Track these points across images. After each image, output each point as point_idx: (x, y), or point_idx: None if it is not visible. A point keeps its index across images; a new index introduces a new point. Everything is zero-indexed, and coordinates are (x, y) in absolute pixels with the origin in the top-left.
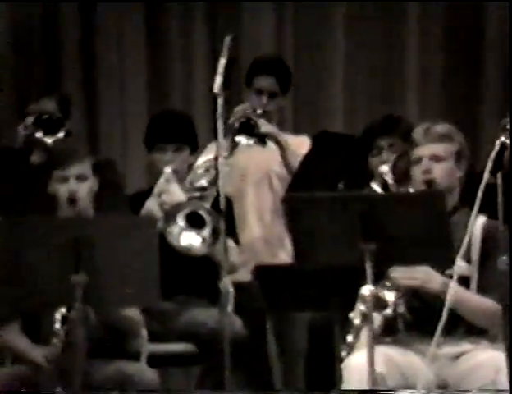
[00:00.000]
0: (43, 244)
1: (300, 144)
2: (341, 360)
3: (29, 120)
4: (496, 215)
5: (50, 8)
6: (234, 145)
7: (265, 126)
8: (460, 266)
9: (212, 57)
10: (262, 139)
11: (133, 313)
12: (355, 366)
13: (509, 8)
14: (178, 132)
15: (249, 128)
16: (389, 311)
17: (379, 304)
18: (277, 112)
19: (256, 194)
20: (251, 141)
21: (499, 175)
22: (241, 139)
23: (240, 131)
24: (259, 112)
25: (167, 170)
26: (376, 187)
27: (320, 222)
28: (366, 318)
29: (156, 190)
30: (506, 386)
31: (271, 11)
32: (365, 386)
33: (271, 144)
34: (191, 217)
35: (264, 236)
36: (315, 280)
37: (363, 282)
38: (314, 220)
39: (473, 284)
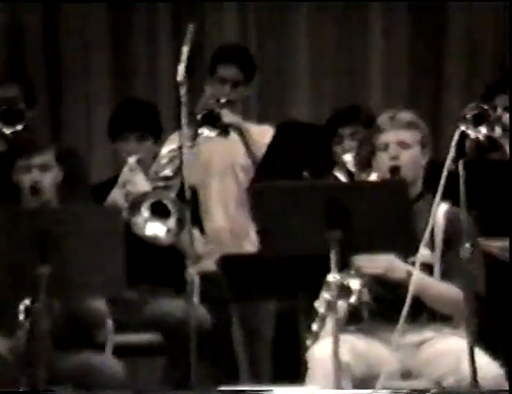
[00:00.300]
0: (6, 234)
1: (263, 134)
2: (306, 348)
3: None
4: (457, 203)
5: None
6: (196, 136)
7: (227, 117)
8: (423, 253)
9: (175, 45)
10: (225, 129)
11: (98, 303)
12: (320, 356)
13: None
14: (141, 120)
15: (211, 119)
16: (354, 299)
17: (344, 292)
18: (241, 101)
19: (220, 184)
20: (214, 133)
21: (460, 162)
22: (204, 131)
23: (203, 123)
24: (223, 101)
25: (131, 159)
26: (339, 175)
27: (285, 211)
28: (331, 306)
29: (120, 179)
30: (467, 374)
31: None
32: (330, 375)
33: (234, 135)
34: (156, 207)
35: (229, 227)
36: (280, 269)
37: (327, 271)
38: (279, 209)
39: (436, 271)
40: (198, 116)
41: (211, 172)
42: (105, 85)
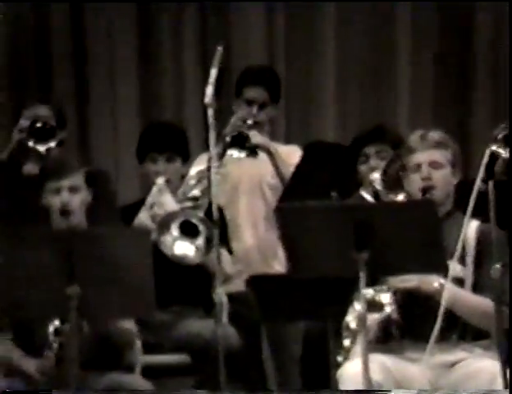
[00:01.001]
0: (36, 255)
1: (291, 154)
2: (338, 365)
3: (24, 123)
4: (488, 220)
5: (42, 14)
6: (223, 156)
7: (256, 137)
8: (455, 268)
9: (203, 67)
10: (253, 150)
11: (127, 324)
12: (351, 373)
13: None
14: (169, 142)
15: (240, 141)
16: (385, 313)
17: (375, 306)
18: (268, 121)
19: (249, 204)
20: (243, 154)
21: (490, 183)
22: (233, 153)
23: (233, 144)
24: (250, 122)
25: (160, 181)
26: (366, 195)
27: (313, 231)
28: (362, 320)
29: (148, 200)
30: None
31: (261, 20)
32: (360, 385)
33: (262, 155)
34: (185, 227)
35: (257, 246)
36: (309, 289)
37: (356, 291)
38: (307, 230)
39: (468, 285)
40: (228, 138)
41: (239, 192)
42: (134, 108)
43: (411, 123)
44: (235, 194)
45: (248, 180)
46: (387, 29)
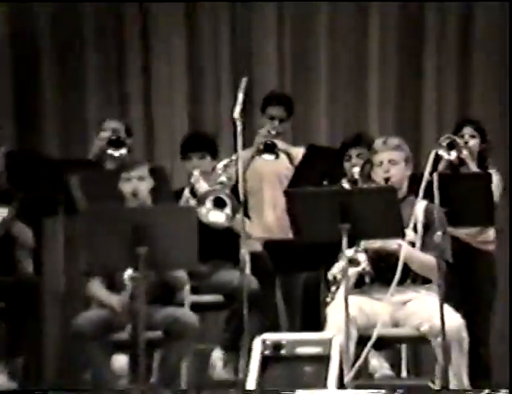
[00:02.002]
0: (115, 225)
1: (298, 153)
2: (326, 304)
3: (104, 134)
4: (433, 201)
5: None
6: (253, 158)
7: (281, 144)
8: (409, 234)
9: (234, 87)
10: (277, 153)
11: (180, 273)
12: (335, 310)
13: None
14: (201, 146)
15: (270, 147)
16: (360, 267)
17: (354, 263)
18: (285, 132)
19: (271, 190)
20: (272, 157)
21: (434, 175)
22: (265, 156)
23: (265, 150)
24: (273, 133)
25: (195, 172)
26: (345, 184)
27: (310, 208)
28: (344, 272)
29: (189, 186)
30: (438, 322)
31: (274, 53)
32: (342, 325)
33: (281, 155)
34: (216, 201)
35: (276, 220)
36: (307, 250)
37: (340, 251)
38: (306, 207)
39: (418, 246)
40: (261, 146)
41: (264, 182)
42: (184, 122)
43: (380, 131)
44: (261, 183)
45: (270, 173)
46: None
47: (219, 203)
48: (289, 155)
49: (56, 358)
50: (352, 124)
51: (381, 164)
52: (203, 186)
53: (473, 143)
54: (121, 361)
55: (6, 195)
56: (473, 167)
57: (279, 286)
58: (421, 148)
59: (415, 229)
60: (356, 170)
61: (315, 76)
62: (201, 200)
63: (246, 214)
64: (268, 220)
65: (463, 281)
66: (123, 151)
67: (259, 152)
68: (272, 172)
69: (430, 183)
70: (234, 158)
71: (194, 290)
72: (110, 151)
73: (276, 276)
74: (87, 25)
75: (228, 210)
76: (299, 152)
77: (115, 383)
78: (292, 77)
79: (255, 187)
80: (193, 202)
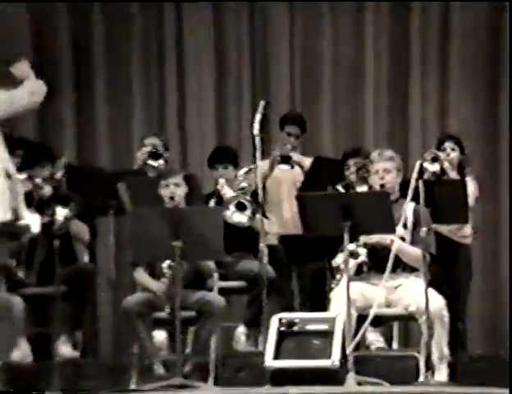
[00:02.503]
0: (156, 223)
1: (307, 163)
2: (331, 289)
3: (145, 149)
4: (419, 203)
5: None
6: (273, 169)
7: (295, 157)
8: (399, 231)
9: (254, 108)
10: (292, 164)
11: (209, 263)
12: (339, 295)
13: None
14: (225, 158)
15: (287, 159)
16: (360, 258)
17: (354, 255)
18: (299, 146)
19: (287, 193)
20: (288, 167)
21: (420, 181)
22: (282, 166)
23: (282, 161)
24: (289, 147)
25: (221, 180)
26: (340, 188)
27: (317, 209)
28: (346, 262)
29: (215, 192)
30: (423, 303)
31: (287, 80)
32: (344, 306)
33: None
34: (238, 205)
35: (291, 218)
36: (315, 243)
37: (342, 244)
38: (314, 208)
39: (407, 241)
40: (278, 158)
41: (281, 186)
42: (211, 137)
43: (375, 144)
44: (279, 188)
45: (286, 180)
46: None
47: (241, 207)
48: (301, 167)
49: (108, 332)
50: (350, 138)
51: (377, 172)
52: (227, 192)
53: (454, 155)
54: (161, 336)
55: (66, 199)
56: (453, 175)
57: (295, 274)
58: (408, 159)
59: (405, 226)
60: (353, 176)
61: (320, 98)
62: (226, 204)
63: (264, 214)
64: (285, 218)
65: (445, 269)
66: (161, 162)
67: (278, 163)
68: (288, 179)
69: (417, 188)
70: (252, 167)
71: (222, 277)
72: (150, 162)
73: (292, 265)
74: (134, 48)
75: (248, 212)
76: (308, 162)
77: (156, 354)
78: (302, 99)
79: (274, 191)
80: (212, 203)
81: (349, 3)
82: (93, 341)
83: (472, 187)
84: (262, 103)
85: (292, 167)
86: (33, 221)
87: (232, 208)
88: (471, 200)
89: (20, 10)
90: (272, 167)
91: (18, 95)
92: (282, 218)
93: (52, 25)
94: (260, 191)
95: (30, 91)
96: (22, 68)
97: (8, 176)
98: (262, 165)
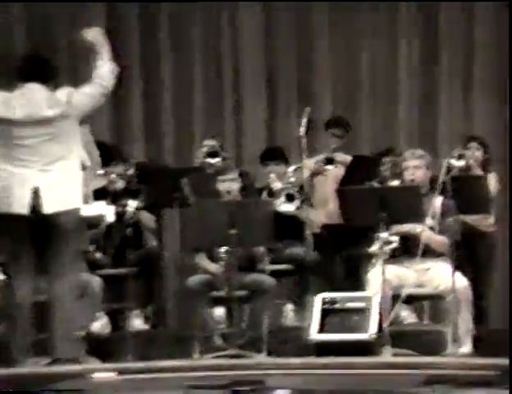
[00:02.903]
0: (214, 214)
1: (348, 161)
2: (367, 272)
3: (204, 149)
4: (446, 197)
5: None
6: (322, 168)
7: (338, 156)
8: (428, 221)
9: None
10: (336, 163)
11: (260, 248)
12: (375, 276)
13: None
14: (275, 156)
15: (331, 160)
16: (393, 245)
17: (388, 242)
18: (343, 146)
19: (332, 188)
20: (332, 166)
21: (447, 177)
22: (328, 167)
23: (327, 162)
24: (334, 146)
25: (272, 175)
26: (375, 184)
27: (356, 201)
28: (381, 249)
29: (266, 185)
30: (450, 284)
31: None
32: (380, 286)
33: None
34: (288, 196)
35: (335, 210)
36: (354, 232)
37: (378, 232)
38: (353, 200)
39: (435, 230)
40: (324, 158)
41: (328, 181)
42: (263, 136)
43: (408, 144)
44: (325, 183)
45: (331, 177)
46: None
47: (289, 198)
48: (344, 164)
49: (174, 307)
50: (385, 138)
51: (408, 169)
52: (277, 185)
53: (478, 154)
54: (220, 311)
55: (137, 192)
56: (478, 171)
57: (337, 258)
58: (437, 157)
59: (434, 217)
60: (387, 173)
61: (359, 104)
62: (277, 195)
63: (310, 205)
64: (330, 209)
65: (470, 254)
66: (218, 160)
67: (324, 164)
68: (333, 176)
69: (444, 183)
70: (300, 165)
71: (272, 261)
72: (209, 160)
73: (334, 250)
74: (197, 52)
75: (296, 203)
76: (349, 159)
77: (216, 329)
78: (343, 105)
79: (321, 186)
80: (264, 196)
81: (385, 16)
82: (161, 315)
83: (493, 182)
84: (307, 109)
85: (336, 166)
86: (108, 211)
87: (282, 198)
88: (493, 193)
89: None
90: (318, 169)
91: (90, 100)
92: (328, 210)
93: (124, 34)
94: (306, 185)
95: (103, 78)
96: (95, 34)
97: (83, 168)
98: (309, 163)
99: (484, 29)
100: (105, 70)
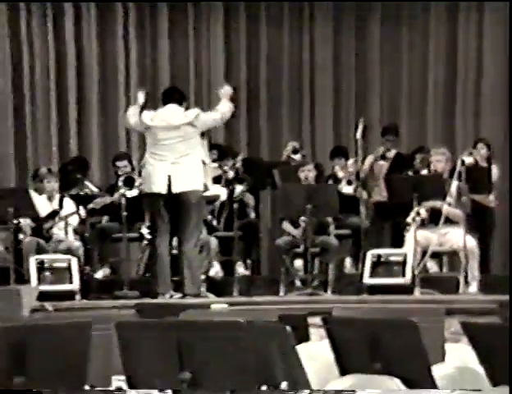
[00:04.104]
0: (297, 194)
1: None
2: (404, 235)
3: (289, 148)
4: (461, 181)
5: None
6: (376, 160)
7: (388, 154)
8: (448, 199)
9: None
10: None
11: (329, 218)
12: (410, 237)
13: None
14: (340, 152)
15: (383, 157)
16: (421, 216)
17: (419, 214)
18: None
19: (382, 176)
20: (384, 161)
21: (462, 167)
22: (381, 162)
23: (381, 158)
24: (388, 146)
25: (336, 167)
26: (410, 173)
27: (397, 185)
28: (414, 219)
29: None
30: (462, 243)
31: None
32: (412, 244)
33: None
34: (348, 181)
35: (384, 191)
36: (396, 207)
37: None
38: (395, 185)
39: (453, 206)
40: (379, 156)
41: (381, 171)
42: (330, 139)
43: (433, 143)
44: (380, 172)
45: (384, 168)
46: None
47: (349, 183)
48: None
49: (267, 259)
50: (415, 140)
51: (433, 162)
52: (340, 174)
53: (483, 151)
54: (299, 262)
55: (242, 179)
56: (483, 164)
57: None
58: (455, 153)
59: (451, 196)
60: (418, 165)
61: (401, 113)
62: (340, 181)
63: (364, 188)
64: (380, 190)
65: (477, 222)
66: (299, 156)
67: (379, 159)
68: (385, 167)
69: (460, 172)
70: (356, 159)
71: (336, 227)
72: (292, 156)
73: (382, 220)
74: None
75: (353, 186)
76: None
77: (296, 275)
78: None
79: (378, 174)
80: (331, 182)
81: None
82: (257, 264)
83: (495, 171)
84: (362, 119)
85: (386, 161)
86: (222, 192)
87: (343, 183)
88: (494, 179)
89: None
90: (375, 161)
91: (210, 119)
92: (379, 191)
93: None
94: (363, 173)
95: (216, 119)
96: (228, 92)
97: (204, 163)
98: (369, 158)
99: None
100: (226, 106)
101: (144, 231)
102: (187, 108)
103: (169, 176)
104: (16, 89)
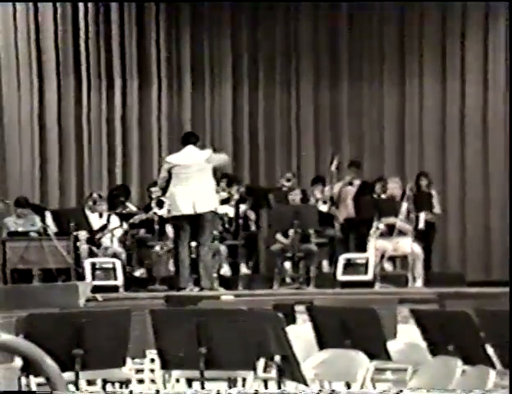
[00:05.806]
0: (287, 212)
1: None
2: (367, 244)
3: (284, 178)
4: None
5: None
6: (345, 186)
7: (355, 181)
8: (400, 216)
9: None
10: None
11: (310, 230)
12: (371, 245)
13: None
14: (319, 180)
15: (350, 184)
16: (381, 229)
17: (378, 228)
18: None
19: (351, 198)
20: (351, 187)
21: (409, 192)
22: (349, 187)
23: (348, 184)
24: (352, 176)
25: (316, 191)
26: (373, 196)
27: (362, 205)
28: (374, 232)
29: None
30: None
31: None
32: (373, 250)
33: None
34: (324, 202)
35: (352, 209)
36: (361, 222)
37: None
38: (361, 204)
39: (403, 221)
40: (347, 183)
41: (348, 195)
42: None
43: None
44: (347, 195)
45: (350, 192)
46: None
47: (324, 203)
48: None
49: (264, 261)
50: (376, 170)
51: (389, 188)
52: (319, 197)
53: (424, 182)
54: (288, 264)
55: (245, 200)
56: (425, 190)
57: (351, 235)
58: (405, 181)
59: (402, 214)
60: (379, 190)
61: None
62: (318, 202)
63: (337, 207)
64: (349, 209)
65: (422, 233)
66: (290, 183)
67: (347, 185)
68: (351, 191)
69: (408, 196)
70: (331, 186)
71: (316, 237)
72: (284, 183)
73: (349, 231)
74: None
75: (328, 206)
76: (358, 183)
77: (286, 273)
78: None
79: (345, 196)
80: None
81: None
82: (257, 265)
83: (435, 195)
84: (336, 156)
85: (353, 187)
86: (230, 210)
87: (320, 203)
88: (434, 200)
89: None
90: (343, 186)
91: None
92: (347, 209)
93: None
94: (335, 196)
95: (223, 159)
96: (222, 157)
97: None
98: (338, 185)
99: None
100: (225, 158)
101: (169, 242)
102: (202, 147)
103: (192, 201)
104: (77, 135)
